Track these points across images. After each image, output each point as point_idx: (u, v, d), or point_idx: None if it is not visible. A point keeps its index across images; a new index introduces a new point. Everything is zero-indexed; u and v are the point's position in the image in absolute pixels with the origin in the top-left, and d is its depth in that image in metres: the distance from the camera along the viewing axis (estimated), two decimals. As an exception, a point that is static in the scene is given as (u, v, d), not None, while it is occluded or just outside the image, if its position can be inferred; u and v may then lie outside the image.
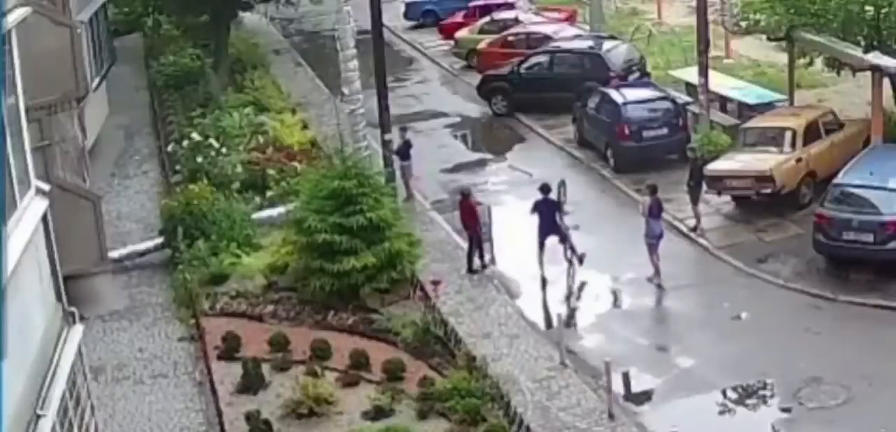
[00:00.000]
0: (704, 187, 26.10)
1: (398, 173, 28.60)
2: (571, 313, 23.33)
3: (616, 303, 23.71)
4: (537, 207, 24.80)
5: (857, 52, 26.88)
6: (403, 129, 30.49)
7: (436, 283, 23.58)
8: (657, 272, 23.50)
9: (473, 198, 25.40)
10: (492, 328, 22.03)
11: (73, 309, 14.99)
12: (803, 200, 26.02)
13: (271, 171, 29.19)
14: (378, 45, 28.76)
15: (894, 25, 26.85)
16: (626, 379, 20.30)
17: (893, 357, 19.79)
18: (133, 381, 21.22)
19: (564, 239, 24.63)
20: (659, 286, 23.42)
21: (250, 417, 19.15)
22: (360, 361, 20.79)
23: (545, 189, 24.97)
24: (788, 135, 26.77)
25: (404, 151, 29.22)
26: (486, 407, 18.92)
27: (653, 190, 24.21)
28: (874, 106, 27.04)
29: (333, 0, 29.36)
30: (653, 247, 23.60)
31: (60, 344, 14.11)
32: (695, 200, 25.81)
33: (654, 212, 23.85)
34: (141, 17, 44.59)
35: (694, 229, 25.58)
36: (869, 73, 27.08)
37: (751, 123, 28.59)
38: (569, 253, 24.53)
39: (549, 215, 24.65)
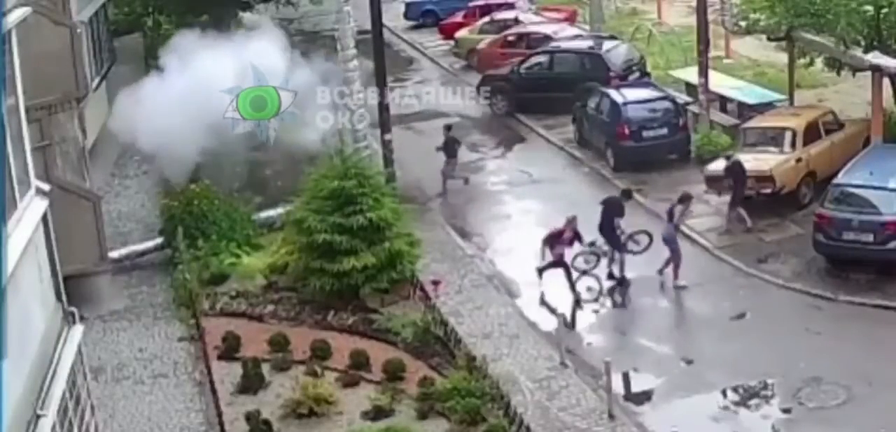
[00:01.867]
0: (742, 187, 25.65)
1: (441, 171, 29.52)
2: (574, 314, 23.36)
3: (616, 303, 23.69)
4: (604, 202, 24.57)
5: (857, 52, 26.89)
6: (448, 128, 30.74)
7: (436, 283, 23.59)
8: (662, 270, 23.49)
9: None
10: (492, 328, 22.02)
11: (73, 309, 14.97)
12: (803, 200, 26.03)
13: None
14: (378, 45, 28.78)
15: (894, 25, 26.86)
16: (626, 379, 20.30)
17: (893, 357, 19.79)
18: (133, 381, 21.21)
19: (621, 249, 23.86)
20: (661, 281, 23.45)
21: (250, 417, 19.15)
22: (360, 361, 20.80)
23: (627, 194, 24.95)
24: (788, 135, 26.79)
25: (451, 149, 29.58)
26: (486, 407, 18.93)
27: (680, 198, 24.10)
28: (874, 106, 27.06)
29: (333, 0, 29.37)
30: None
31: (60, 344, 14.10)
32: (734, 204, 25.55)
33: (668, 215, 23.81)
34: (141, 17, 44.55)
35: (749, 229, 25.27)
36: (869, 73, 27.10)
37: (751, 123, 28.62)
38: (616, 268, 23.89)
39: (608, 216, 24.00)
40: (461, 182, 29.87)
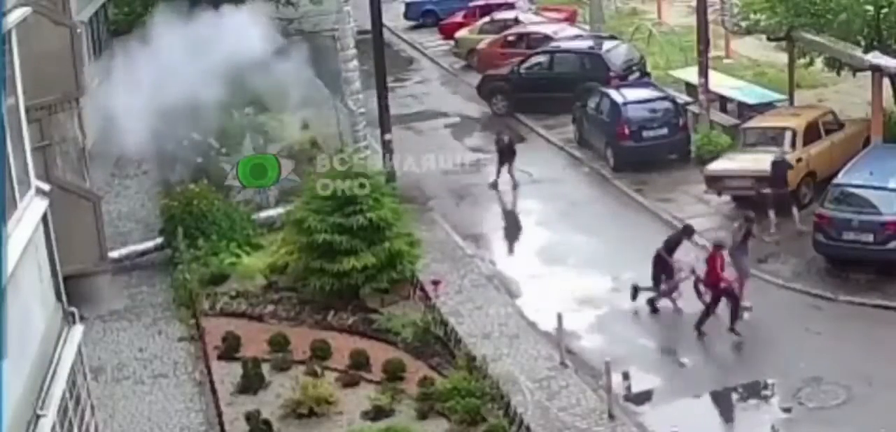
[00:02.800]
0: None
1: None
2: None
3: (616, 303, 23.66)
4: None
5: (857, 52, 26.89)
6: (499, 132, 31.06)
7: (436, 283, 23.58)
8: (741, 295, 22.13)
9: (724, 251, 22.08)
10: (492, 328, 22.02)
11: (73, 309, 14.98)
12: (803, 200, 26.02)
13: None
14: (378, 45, 28.80)
15: (894, 25, 26.86)
16: (626, 379, 20.30)
17: (893, 357, 19.78)
18: (133, 381, 21.21)
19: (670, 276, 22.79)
20: (744, 310, 22.01)
21: (250, 417, 19.15)
22: (360, 361, 20.80)
23: (689, 231, 23.59)
24: (788, 135, 26.78)
25: (508, 149, 29.88)
26: (486, 407, 18.93)
27: (744, 219, 23.14)
28: (874, 106, 27.05)
29: (333, 0, 29.38)
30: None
31: (60, 344, 14.11)
32: (780, 203, 25.00)
33: (732, 240, 22.84)
34: (141, 17, 44.54)
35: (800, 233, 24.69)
36: (869, 73, 27.10)
37: (751, 123, 28.62)
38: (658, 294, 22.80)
39: (668, 248, 22.99)
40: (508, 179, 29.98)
